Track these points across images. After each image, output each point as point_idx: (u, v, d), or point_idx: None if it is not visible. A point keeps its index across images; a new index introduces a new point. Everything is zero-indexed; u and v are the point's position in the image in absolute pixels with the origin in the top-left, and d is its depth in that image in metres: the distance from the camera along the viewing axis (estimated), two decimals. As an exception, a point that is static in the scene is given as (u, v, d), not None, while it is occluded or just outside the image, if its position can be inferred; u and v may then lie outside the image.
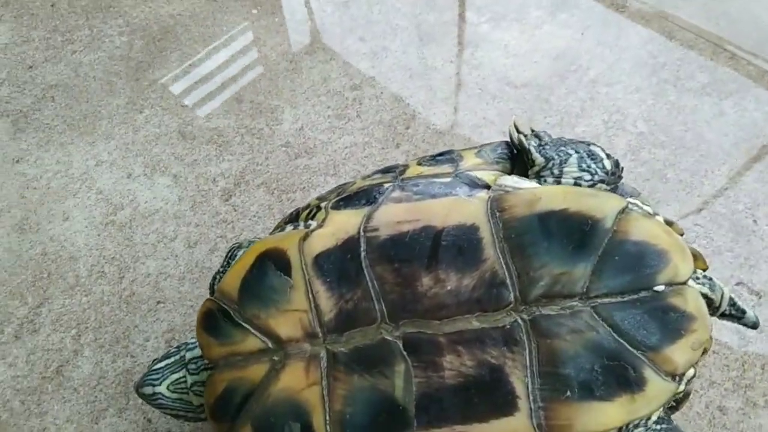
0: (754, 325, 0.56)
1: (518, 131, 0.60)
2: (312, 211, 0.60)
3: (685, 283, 0.52)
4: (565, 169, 0.58)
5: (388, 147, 0.86)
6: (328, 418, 0.52)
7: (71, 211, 0.86)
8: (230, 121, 0.91)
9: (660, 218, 0.57)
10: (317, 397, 0.52)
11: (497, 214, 0.54)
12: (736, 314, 0.56)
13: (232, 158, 0.88)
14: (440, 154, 0.63)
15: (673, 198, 0.80)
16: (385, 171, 0.63)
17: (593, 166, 0.57)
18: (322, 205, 0.59)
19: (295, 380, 0.53)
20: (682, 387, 0.54)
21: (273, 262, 0.56)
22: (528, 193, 0.55)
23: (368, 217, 0.55)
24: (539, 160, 0.58)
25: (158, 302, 0.78)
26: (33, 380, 0.75)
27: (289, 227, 0.61)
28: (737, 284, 0.73)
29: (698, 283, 0.54)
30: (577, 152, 0.58)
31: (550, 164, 0.58)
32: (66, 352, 0.76)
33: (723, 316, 0.56)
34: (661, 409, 0.54)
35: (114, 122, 0.93)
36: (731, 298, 0.55)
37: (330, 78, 0.95)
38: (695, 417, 0.66)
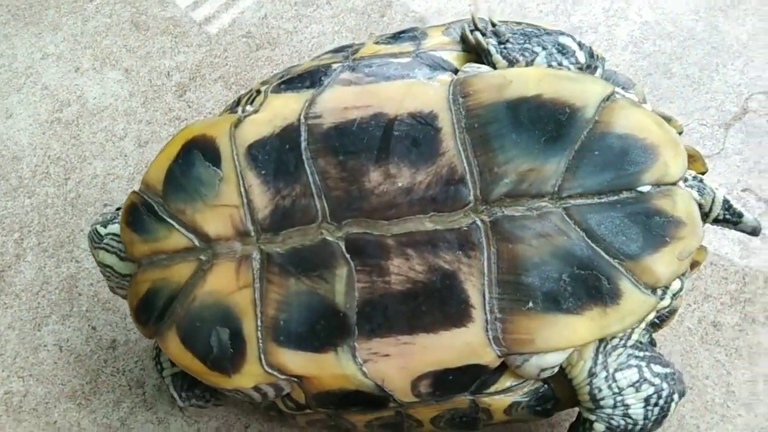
0: (754, 231, 0.50)
1: (475, 28, 0.50)
2: (252, 95, 0.53)
3: (675, 184, 0.45)
4: (523, 53, 0.49)
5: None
6: (259, 323, 0.47)
7: (15, 107, 0.79)
8: (186, 9, 0.82)
9: (651, 110, 0.49)
10: (248, 301, 0.47)
11: (460, 100, 0.46)
12: (731, 219, 0.49)
13: (188, 50, 0.80)
14: (402, 31, 0.54)
15: (677, 95, 0.71)
16: (337, 50, 0.55)
17: (564, 61, 0.49)
18: (263, 88, 0.52)
19: (223, 282, 0.48)
20: (666, 302, 0.48)
21: (201, 151, 0.49)
22: (497, 76, 0.47)
23: (311, 102, 0.48)
24: (501, 62, 0.49)
25: (105, 204, 0.72)
26: (-31, 285, 0.70)
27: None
28: (743, 190, 0.65)
29: (686, 185, 0.47)
30: (544, 48, 0.49)
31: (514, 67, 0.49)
32: (8, 257, 0.71)
33: (717, 221, 0.50)
34: (643, 328, 0.48)
35: (62, 12, 0.84)
36: (726, 201, 0.49)
37: (300, -38, 0.85)
38: (686, 332, 0.60)
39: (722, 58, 0.73)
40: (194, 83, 0.78)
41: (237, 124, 0.49)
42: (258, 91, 0.52)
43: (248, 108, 0.51)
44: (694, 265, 0.50)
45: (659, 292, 0.45)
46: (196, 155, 0.49)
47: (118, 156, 0.75)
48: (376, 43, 0.53)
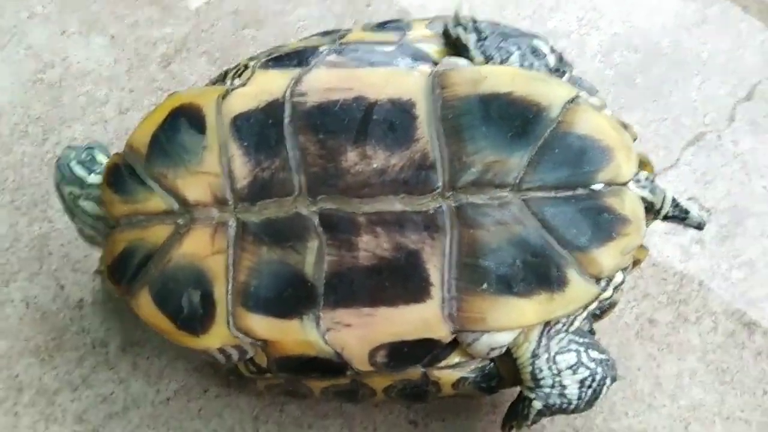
0: (699, 225, 0.53)
1: (458, 23, 0.53)
2: (240, 70, 0.55)
3: (625, 184, 0.48)
4: (502, 47, 0.52)
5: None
6: (230, 288, 0.49)
7: (-3, 65, 0.79)
8: (177, -18, 0.84)
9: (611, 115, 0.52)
10: (221, 266, 0.49)
11: (437, 91, 0.49)
12: (679, 215, 0.53)
13: (175, 23, 0.81)
14: (388, 21, 0.57)
15: (638, 105, 0.75)
16: (325, 34, 0.57)
17: (536, 63, 0.52)
18: (251, 64, 0.54)
19: (199, 246, 0.50)
20: (608, 293, 0.51)
21: (187, 118, 0.51)
22: (473, 72, 0.50)
23: (297, 81, 0.50)
24: (478, 57, 0.52)
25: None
26: (-60, 236, 0.71)
27: None
28: (689, 199, 0.69)
29: (639, 186, 0.50)
30: (519, 48, 0.52)
31: (489, 63, 0.52)
32: (-20, 212, 0.72)
33: (666, 218, 0.53)
34: (584, 317, 0.52)
35: (51, -27, 0.85)
36: (674, 199, 0.52)
37: (291, -54, 0.87)
38: (624, 327, 0.64)
39: (683, 74, 0.77)
40: (179, 56, 0.79)
41: (224, 95, 0.51)
42: (246, 66, 0.54)
43: (236, 82, 0.53)
44: (635, 262, 0.54)
45: (602, 283, 0.49)
46: (182, 122, 0.51)
47: (99, 121, 0.76)
48: (363, 30, 0.56)
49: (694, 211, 0.53)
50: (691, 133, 0.74)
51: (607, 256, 0.48)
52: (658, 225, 0.67)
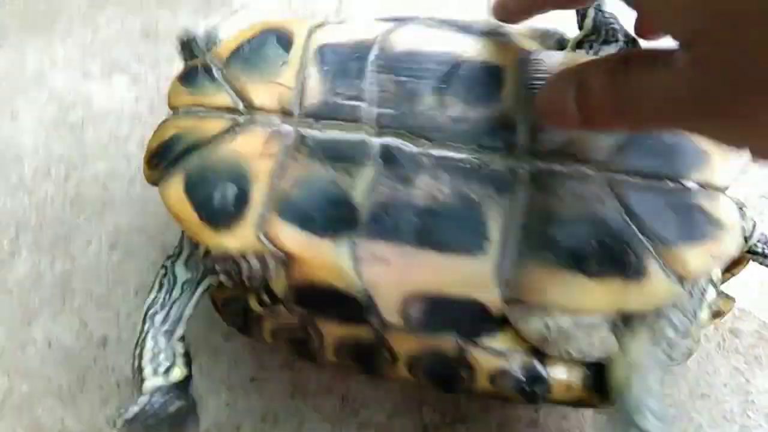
0: None
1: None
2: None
3: (721, 190, 0.45)
4: (604, 49, 0.52)
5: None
6: (270, 192, 0.46)
7: (21, 110, 0.79)
8: (198, 20, 0.84)
9: None
10: (267, 169, 0.47)
11: (529, 65, 0.48)
12: (763, 252, 0.48)
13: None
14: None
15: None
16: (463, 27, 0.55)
17: None
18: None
19: (250, 146, 0.48)
20: (700, 309, 0.46)
21: (276, 36, 0.52)
22: (567, 57, 0.48)
23: (391, 31, 0.51)
24: (588, 26, 0.52)
25: (105, 204, 0.72)
26: (-40, 277, 0.68)
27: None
28: (761, 197, 0.65)
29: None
30: (623, 40, 0.52)
31: (593, 36, 0.52)
32: (2, 254, 0.70)
33: (750, 252, 0.48)
34: (668, 326, 0.46)
35: (73, 22, 0.86)
36: (763, 234, 0.48)
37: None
38: (703, 339, 0.58)
39: None
40: (200, 88, 0.78)
41: (319, 26, 0.52)
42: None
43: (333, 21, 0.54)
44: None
45: (686, 284, 0.44)
46: (269, 38, 0.52)
47: (121, 157, 0.75)
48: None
49: None
50: None
51: (695, 256, 0.43)
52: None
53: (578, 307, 0.43)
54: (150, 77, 0.80)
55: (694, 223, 0.43)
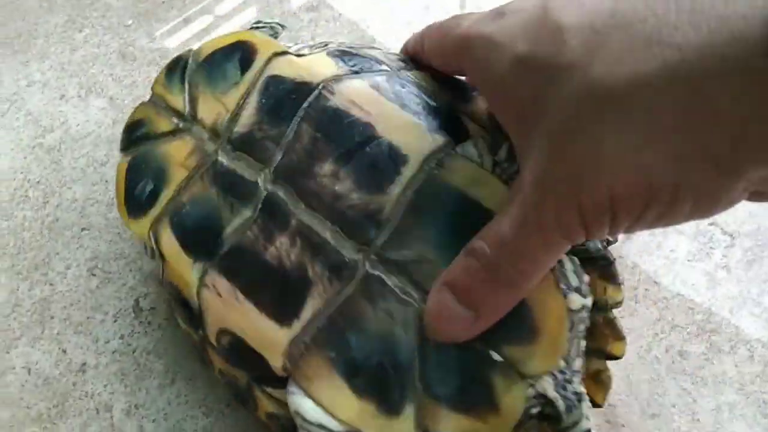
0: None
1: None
2: (316, 45, 0.58)
3: (525, 377, 0.43)
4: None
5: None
6: (172, 198, 0.54)
7: (-3, 132, 0.79)
8: (175, 42, 0.85)
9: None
10: (179, 179, 0.54)
11: (432, 166, 0.47)
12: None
13: (173, 80, 0.81)
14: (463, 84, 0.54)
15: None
16: (402, 60, 0.55)
17: None
18: (330, 45, 0.56)
19: (178, 153, 0.55)
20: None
21: (242, 54, 0.55)
22: (476, 171, 0.47)
23: (338, 79, 0.51)
24: (502, 157, 0.50)
25: (83, 229, 0.72)
26: (-61, 305, 0.69)
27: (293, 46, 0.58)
28: (710, 224, 0.67)
29: (553, 385, 0.43)
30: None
31: (499, 169, 0.49)
32: (-20, 279, 0.70)
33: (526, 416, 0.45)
34: None
35: (50, 41, 0.86)
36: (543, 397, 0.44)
37: None
38: (653, 361, 0.61)
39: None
40: (177, 112, 0.79)
41: (280, 54, 0.54)
42: (324, 44, 0.57)
43: (305, 50, 0.55)
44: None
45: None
46: (235, 54, 0.55)
47: (99, 181, 0.75)
48: (434, 77, 0.53)
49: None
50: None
51: (451, 421, 0.43)
52: (681, 251, 0.65)
53: (328, 408, 0.45)
54: (127, 99, 0.80)
55: (470, 393, 0.43)
